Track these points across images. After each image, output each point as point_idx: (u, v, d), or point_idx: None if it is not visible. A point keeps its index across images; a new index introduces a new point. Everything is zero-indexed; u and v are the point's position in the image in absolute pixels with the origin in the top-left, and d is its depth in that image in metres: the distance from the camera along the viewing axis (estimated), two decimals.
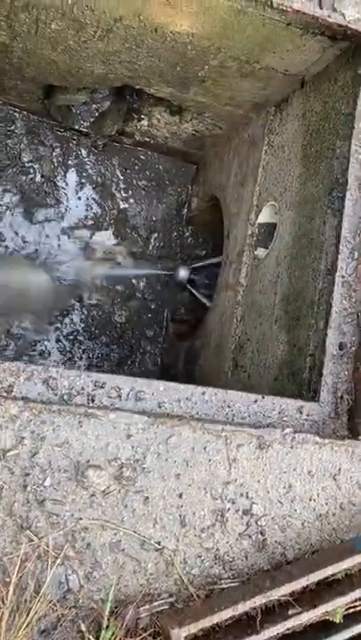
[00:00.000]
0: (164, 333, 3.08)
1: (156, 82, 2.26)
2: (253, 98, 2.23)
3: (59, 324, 2.89)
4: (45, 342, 2.85)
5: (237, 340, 2.22)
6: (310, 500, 1.41)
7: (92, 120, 2.73)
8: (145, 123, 2.77)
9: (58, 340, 2.87)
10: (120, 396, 1.36)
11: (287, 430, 1.41)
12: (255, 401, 1.48)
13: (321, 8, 1.54)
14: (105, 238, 2.93)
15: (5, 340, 2.81)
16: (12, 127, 2.76)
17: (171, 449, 1.31)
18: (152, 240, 3.07)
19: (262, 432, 1.38)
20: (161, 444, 1.31)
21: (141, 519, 1.28)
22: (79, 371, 1.33)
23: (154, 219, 3.06)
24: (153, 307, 3.10)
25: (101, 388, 1.35)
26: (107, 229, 2.96)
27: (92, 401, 1.33)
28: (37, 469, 1.22)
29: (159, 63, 2.09)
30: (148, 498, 1.29)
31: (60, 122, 2.73)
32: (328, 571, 1.29)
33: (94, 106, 2.68)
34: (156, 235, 3.08)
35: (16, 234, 2.81)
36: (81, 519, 1.24)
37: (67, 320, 2.91)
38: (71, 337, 2.90)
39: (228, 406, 1.45)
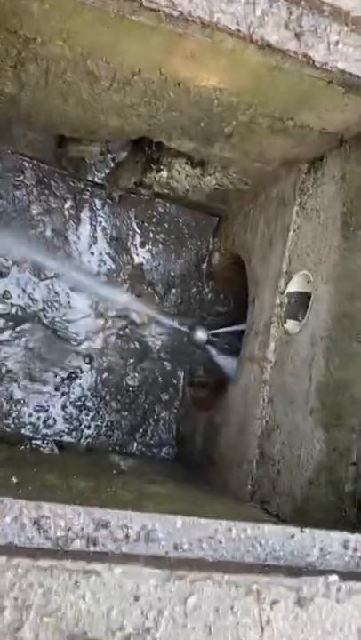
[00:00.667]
0: (180, 397, 2.83)
1: (177, 136, 2.06)
2: (284, 155, 2.01)
3: (65, 389, 2.65)
4: (51, 409, 2.61)
5: (264, 425, 1.96)
6: None
7: (107, 171, 2.53)
8: (164, 174, 2.55)
9: (64, 407, 2.63)
10: (128, 537, 1.11)
11: (331, 578, 1.14)
12: (292, 536, 1.21)
13: None
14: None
15: (8, 406, 2.58)
16: (21, 177, 2.57)
17: (190, 612, 1.05)
18: (170, 296, 2.84)
19: (301, 582, 1.12)
20: (177, 605, 1.04)
21: None
22: (78, 507, 1.08)
23: (172, 274, 2.83)
24: (169, 368, 2.85)
25: (105, 527, 1.09)
26: (120, 286, 2.74)
27: (94, 544, 1.08)
28: None
29: (181, 118, 1.89)
30: None
31: (73, 174, 2.54)
32: None
33: (110, 156, 2.48)
34: (173, 290, 2.85)
35: (23, 291, 2.60)
36: None
37: (74, 384, 2.68)
38: (79, 403, 2.66)
39: (260, 544, 1.19)
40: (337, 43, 1.31)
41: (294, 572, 1.17)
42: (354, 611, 1.15)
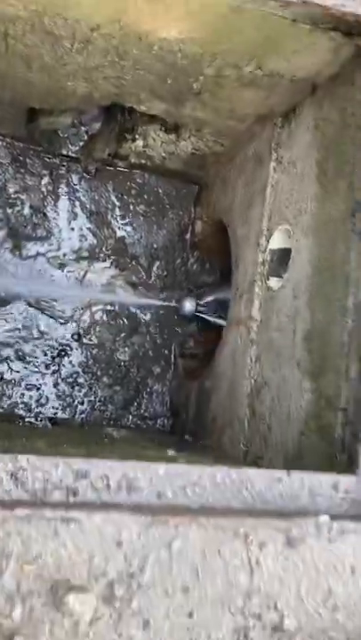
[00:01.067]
0: (172, 370, 2.80)
1: (146, 98, 2.01)
2: (257, 109, 1.97)
3: (56, 367, 2.62)
4: (42, 387, 2.59)
5: (253, 384, 1.93)
6: (355, 605, 1.11)
7: (81, 144, 2.49)
8: (140, 143, 2.51)
9: (55, 385, 2.60)
10: (109, 487, 1.08)
11: (322, 519, 1.12)
12: (279, 479, 1.19)
13: None
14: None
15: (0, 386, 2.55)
16: None
17: (175, 556, 1.02)
18: (154, 269, 2.80)
19: (290, 524, 1.09)
20: (162, 550, 1.02)
21: None
22: (56, 458, 1.06)
23: (155, 246, 2.79)
24: (159, 341, 2.82)
25: (84, 477, 1.07)
26: (103, 260, 2.70)
27: (75, 495, 1.05)
28: (3, 597, 0.94)
29: (148, 76, 1.84)
30: (148, 621, 1.00)
31: (47, 148, 2.49)
32: None
33: (83, 128, 2.43)
34: (158, 263, 2.81)
35: (5, 272, 2.56)
36: None
37: (65, 361, 2.64)
38: (70, 380, 2.63)
39: (247, 488, 1.16)
40: None
41: (283, 514, 1.14)
42: (347, 550, 1.13)
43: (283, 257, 1.90)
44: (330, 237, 1.58)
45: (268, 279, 1.95)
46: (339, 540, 1.12)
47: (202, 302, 2.70)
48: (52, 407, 2.60)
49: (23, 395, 2.57)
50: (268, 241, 1.98)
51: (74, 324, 2.67)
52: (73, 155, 2.52)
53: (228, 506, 1.14)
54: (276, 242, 1.94)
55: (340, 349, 1.45)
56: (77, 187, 2.64)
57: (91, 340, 2.68)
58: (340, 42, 1.51)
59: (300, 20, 1.43)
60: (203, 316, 2.59)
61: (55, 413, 2.60)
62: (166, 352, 2.82)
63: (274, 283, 1.92)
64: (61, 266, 2.61)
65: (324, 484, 1.21)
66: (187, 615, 1.02)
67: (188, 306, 2.69)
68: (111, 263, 2.72)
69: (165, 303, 2.77)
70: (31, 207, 2.57)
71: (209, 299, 2.67)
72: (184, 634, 1.02)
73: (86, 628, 0.97)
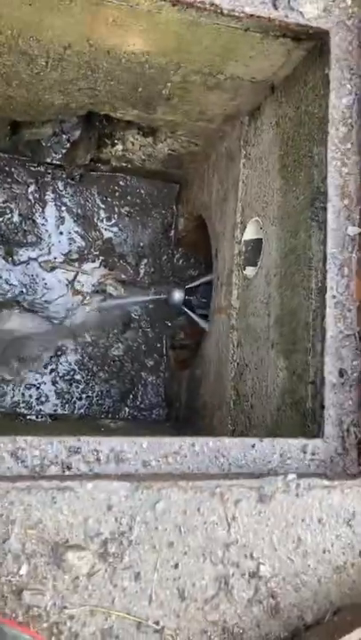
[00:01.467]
0: (164, 362, 2.95)
1: (120, 105, 2.15)
2: (224, 110, 2.11)
3: (54, 366, 2.77)
4: (42, 386, 2.73)
5: (236, 367, 2.08)
6: (324, 551, 1.26)
7: (63, 151, 2.63)
8: (119, 147, 2.65)
9: (54, 383, 2.75)
10: (99, 460, 1.23)
11: (290, 476, 1.26)
12: (253, 446, 1.33)
13: (276, 9, 1.41)
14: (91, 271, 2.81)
15: (0, 387, 2.70)
16: None
17: (160, 515, 1.17)
18: (142, 266, 2.95)
19: (261, 482, 1.24)
20: (148, 511, 1.16)
21: (134, 598, 1.14)
22: (51, 437, 1.20)
23: (141, 244, 2.94)
24: (151, 335, 2.96)
25: (77, 453, 1.21)
26: (93, 261, 2.85)
27: (69, 469, 1.20)
28: (10, 557, 1.09)
29: (119, 86, 1.98)
30: (139, 573, 1.15)
31: (32, 157, 2.63)
32: (354, 636, 1.14)
33: (64, 136, 2.57)
34: (145, 260, 2.95)
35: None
36: (65, 607, 1.10)
37: (62, 360, 2.79)
38: (68, 377, 2.78)
39: (223, 455, 1.31)
40: None
41: (256, 476, 1.29)
42: (314, 502, 1.28)
43: (256, 247, 2.04)
44: (293, 226, 1.72)
45: (244, 269, 2.10)
46: (306, 495, 1.26)
47: (188, 287, 2.82)
48: (52, 404, 2.74)
49: (24, 394, 2.71)
50: (242, 233, 2.12)
51: (67, 323, 2.82)
52: (57, 162, 2.66)
53: (206, 471, 1.29)
54: (249, 233, 2.08)
55: (306, 329, 1.59)
56: (63, 192, 2.79)
57: (85, 338, 2.83)
58: (290, 46, 1.64)
59: (251, 30, 1.57)
60: (191, 315, 2.72)
61: (55, 410, 2.74)
62: (158, 345, 2.97)
63: (250, 271, 2.06)
64: (52, 269, 2.76)
65: (294, 447, 1.36)
66: (173, 567, 1.17)
67: (177, 295, 2.82)
68: (100, 263, 2.87)
69: (156, 296, 2.91)
70: (20, 215, 2.72)
71: (195, 284, 2.79)
72: (171, 583, 1.17)
73: (85, 582, 1.12)
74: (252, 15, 1.43)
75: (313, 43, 1.61)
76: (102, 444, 1.23)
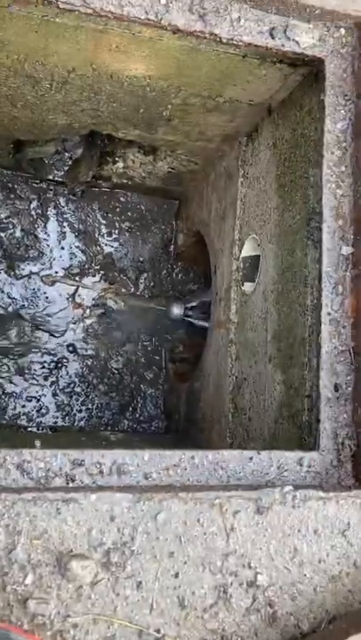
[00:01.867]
0: (163, 374, 2.99)
1: (122, 126, 2.21)
2: (223, 131, 2.17)
3: (54, 378, 2.81)
4: (42, 399, 2.77)
5: (235, 381, 2.12)
6: (320, 561, 1.30)
7: (66, 169, 2.69)
8: (120, 165, 2.72)
9: (54, 395, 2.79)
10: (102, 472, 1.27)
11: (287, 488, 1.30)
12: (251, 458, 1.37)
13: (273, 38, 1.47)
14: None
15: (2, 400, 2.73)
16: None
17: (161, 526, 1.21)
18: (142, 280, 3.00)
19: (259, 494, 1.27)
20: (149, 521, 1.20)
21: (136, 606, 1.18)
22: (55, 450, 1.24)
23: (141, 259, 2.99)
24: (150, 348, 3.01)
25: (80, 465, 1.25)
26: (93, 275, 2.90)
27: (72, 481, 1.24)
28: (16, 567, 1.13)
29: (121, 108, 2.04)
30: (140, 582, 1.19)
31: (34, 174, 2.69)
32: None
33: (67, 154, 2.64)
34: (145, 275, 3.00)
35: (1, 291, 2.75)
36: (69, 616, 1.14)
37: (62, 372, 2.83)
38: (68, 390, 2.82)
39: (222, 468, 1.35)
40: (239, 19, 1.46)
41: (254, 488, 1.32)
42: (310, 514, 1.31)
43: (254, 264, 2.09)
44: (290, 244, 1.77)
45: (242, 284, 2.15)
46: (302, 507, 1.30)
47: (188, 305, 2.88)
48: (53, 416, 2.78)
49: (24, 406, 2.75)
50: (240, 250, 2.17)
51: (68, 336, 2.86)
52: (59, 179, 2.72)
53: (206, 483, 1.33)
54: (247, 250, 2.14)
55: (303, 344, 1.64)
56: (65, 208, 2.84)
57: (85, 350, 2.87)
58: (287, 72, 1.71)
59: (249, 56, 1.63)
60: (192, 321, 2.76)
61: (55, 422, 2.78)
62: (157, 358, 3.01)
63: (248, 287, 2.11)
64: (53, 283, 2.80)
65: (290, 460, 1.40)
66: (173, 576, 1.20)
67: (176, 310, 2.87)
68: (101, 277, 2.92)
69: (155, 307, 2.95)
70: (22, 230, 2.77)
71: (194, 303, 2.84)
72: (171, 592, 1.20)
73: (88, 591, 1.16)
74: (250, 44, 1.49)
75: (309, 68, 1.67)
76: (105, 457, 1.27)
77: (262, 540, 1.27)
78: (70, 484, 1.23)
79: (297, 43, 1.49)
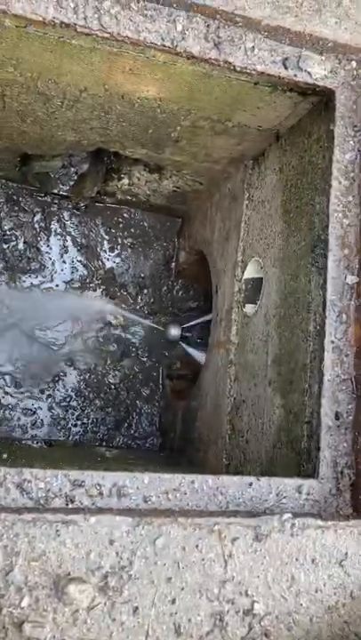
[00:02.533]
0: (160, 391, 2.98)
1: (130, 145, 2.23)
2: (230, 153, 2.19)
3: (50, 392, 2.80)
4: (38, 411, 2.76)
5: (233, 402, 2.12)
6: (316, 591, 1.29)
7: (71, 183, 2.70)
8: (125, 182, 2.73)
9: (50, 409, 2.77)
10: (102, 494, 1.26)
11: (286, 516, 1.30)
12: (250, 484, 1.37)
13: (286, 68, 1.49)
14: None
15: None
16: None
17: (159, 551, 1.20)
18: (142, 296, 3.00)
19: (258, 521, 1.27)
20: (148, 546, 1.20)
21: (132, 632, 1.17)
22: (55, 470, 1.24)
23: (142, 275, 3.00)
24: (147, 364, 3.01)
25: (80, 486, 1.25)
26: (94, 290, 2.90)
27: (72, 502, 1.23)
28: (13, 589, 1.12)
29: (130, 127, 2.05)
30: (137, 608, 1.18)
31: (39, 188, 2.70)
32: None
33: (72, 169, 2.65)
34: (145, 291, 3.01)
35: (1, 303, 2.75)
36: None
37: (59, 386, 2.82)
38: (64, 404, 2.81)
39: (221, 493, 1.34)
40: (253, 48, 1.48)
41: (253, 514, 1.32)
42: (308, 543, 1.31)
43: (256, 286, 2.10)
44: (294, 270, 1.78)
45: (243, 306, 2.15)
46: (300, 535, 1.30)
47: (185, 326, 2.89)
48: (47, 430, 2.76)
49: (20, 418, 2.73)
50: (242, 272, 2.18)
51: (66, 350, 2.86)
52: (64, 193, 2.73)
53: (205, 508, 1.32)
54: (250, 272, 2.15)
55: (304, 370, 1.64)
56: (68, 222, 2.85)
57: (83, 365, 2.87)
58: (297, 100, 1.73)
59: (261, 84, 1.65)
60: (186, 349, 2.77)
61: (50, 436, 2.76)
62: (155, 374, 3.01)
63: (249, 309, 2.12)
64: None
65: (289, 487, 1.40)
66: (170, 602, 1.20)
67: (173, 332, 2.88)
68: (102, 292, 2.92)
69: (153, 324, 2.96)
70: (25, 242, 2.77)
71: (192, 323, 2.85)
72: (168, 618, 1.19)
73: (84, 616, 1.15)
74: (262, 73, 1.51)
75: (319, 97, 1.69)
76: (105, 479, 1.26)
77: (260, 567, 1.26)
78: (70, 505, 1.22)
79: (309, 73, 1.51)
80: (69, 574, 1.14)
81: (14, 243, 2.76)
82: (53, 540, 1.14)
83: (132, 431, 2.88)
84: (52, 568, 1.13)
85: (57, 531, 1.15)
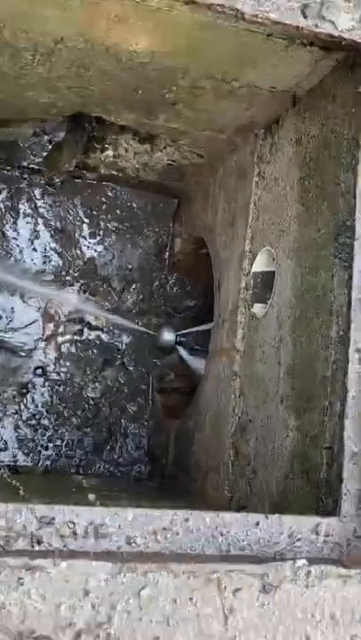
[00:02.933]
0: (150, 408, 2.97)
1: (115, 108, 2.22)
2: (237, 120, 2.18)
3: (16, 407, 2.78)
4: (0, 430, 2.74)
5: (237, 422, 2.11)
6: None
7: (44, 154, 2.70)
8: (110, 153, 2.72)
9: (16, 428, 2.76)
10: (75, 534, 1.25)
11: (300, 563, 1.29)
12: (257, 523, 1.36)
13: (305, 17, 1.48)
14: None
15: None
16: None
17: (145, 604, 1.19)
18: (129, 293, 2.99)
19: (266, 569, 1.26)
20: (131, 598, 1.18)
21: None
22: (19, 504, 1.22)
23: (129, 267, 2.99)
24: (135, 375, 2.99)
25: (50, 524, 1.23)
26: (71, 285, 2.89)
27: (39, 543, 1.22)
28: None
29: (116, 87, 2.05)
30: None
31: (5, 159, 2.69)
32: None
33: (46, 137, 2.64)
34: (133, 286, 3.00)
35: None
36: None
37: (27, 400, 2.81)
38: (33, 422, 2.79)
39: (222, 534, 1.33)
40: None
41: (260, 559, 1.31)
42: (326, 595, 1.30)
43: (267, 281, 2.09)
44: (312, 262, 1.77)
45: (251, 306, 2.14)
46: (317, 586, 1.29)
47: (181, 333, 2.88)
48: (12, 453, 2.75)
49: None
50: (251, 264, 2.17)
51: (36, 357, 2.85)
52: (35, 166, 2.72)
53: (201, 552, 1.31)
54: (260, 264, 2.14)
55: (323, 384, 1.63)
56: (40, 202, 2.84)
57: (56, 375, 2.85)
58: (318, 56, 1.72)
59: (275, 36, 1.65)
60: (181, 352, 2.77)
61: (15, 460, 2.75)
62: (143, 387, 3.00)
63: (258, 310, 2.11)
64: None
65: (305, 527, 1.38)
66: None
67: (167, 336, 2.87)
68: (80, 287, 2.91)
69: (141, 327, 2.95)
70: None
71: (189, 330, 2.84)
72: None
73: None
74: (277, 22, 1.50)
75: (345, 54, 1.69)
76: (80, 516, 1.25)
77: (268, 625, 1.25)
78: (36, 548, 1.21)
79: (333, 24, 1.51)
80: (34, 632, 1.12)
81: None
82: (15, 590, 1.13)
83: (116, 456, 2.87)
84: (13, 625, 1.12)
85: (19, 579, 1.13)
